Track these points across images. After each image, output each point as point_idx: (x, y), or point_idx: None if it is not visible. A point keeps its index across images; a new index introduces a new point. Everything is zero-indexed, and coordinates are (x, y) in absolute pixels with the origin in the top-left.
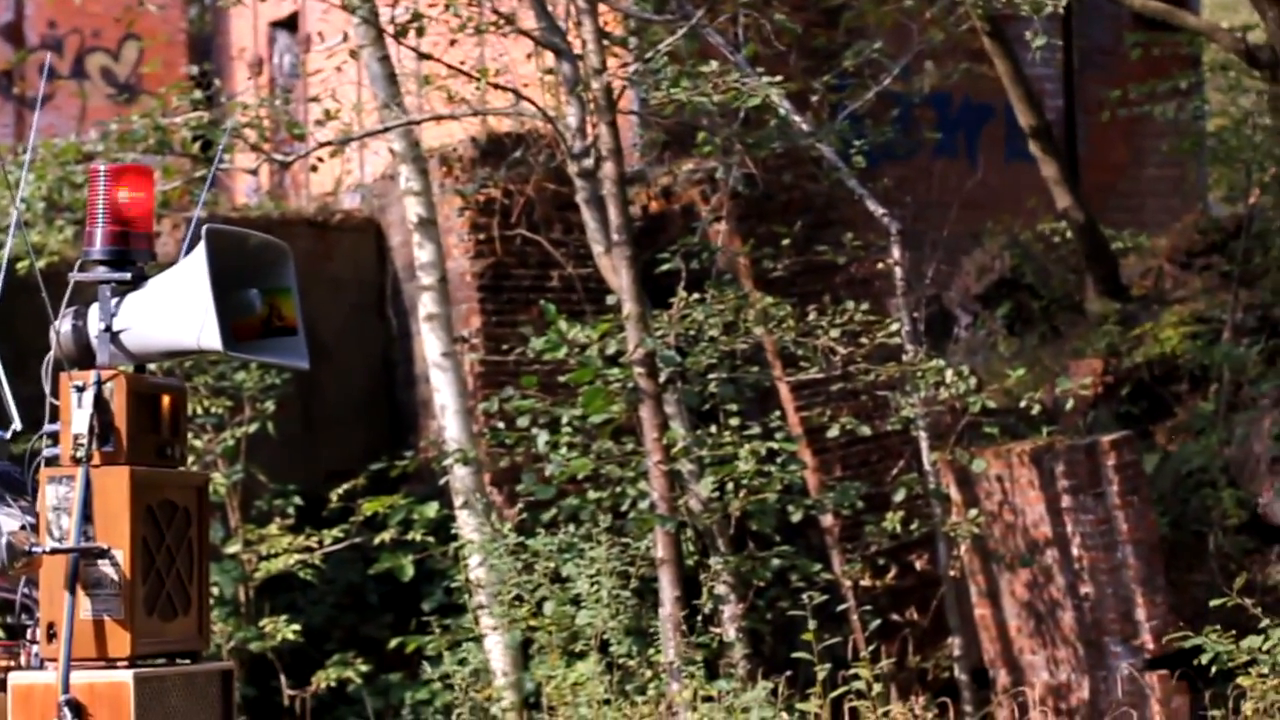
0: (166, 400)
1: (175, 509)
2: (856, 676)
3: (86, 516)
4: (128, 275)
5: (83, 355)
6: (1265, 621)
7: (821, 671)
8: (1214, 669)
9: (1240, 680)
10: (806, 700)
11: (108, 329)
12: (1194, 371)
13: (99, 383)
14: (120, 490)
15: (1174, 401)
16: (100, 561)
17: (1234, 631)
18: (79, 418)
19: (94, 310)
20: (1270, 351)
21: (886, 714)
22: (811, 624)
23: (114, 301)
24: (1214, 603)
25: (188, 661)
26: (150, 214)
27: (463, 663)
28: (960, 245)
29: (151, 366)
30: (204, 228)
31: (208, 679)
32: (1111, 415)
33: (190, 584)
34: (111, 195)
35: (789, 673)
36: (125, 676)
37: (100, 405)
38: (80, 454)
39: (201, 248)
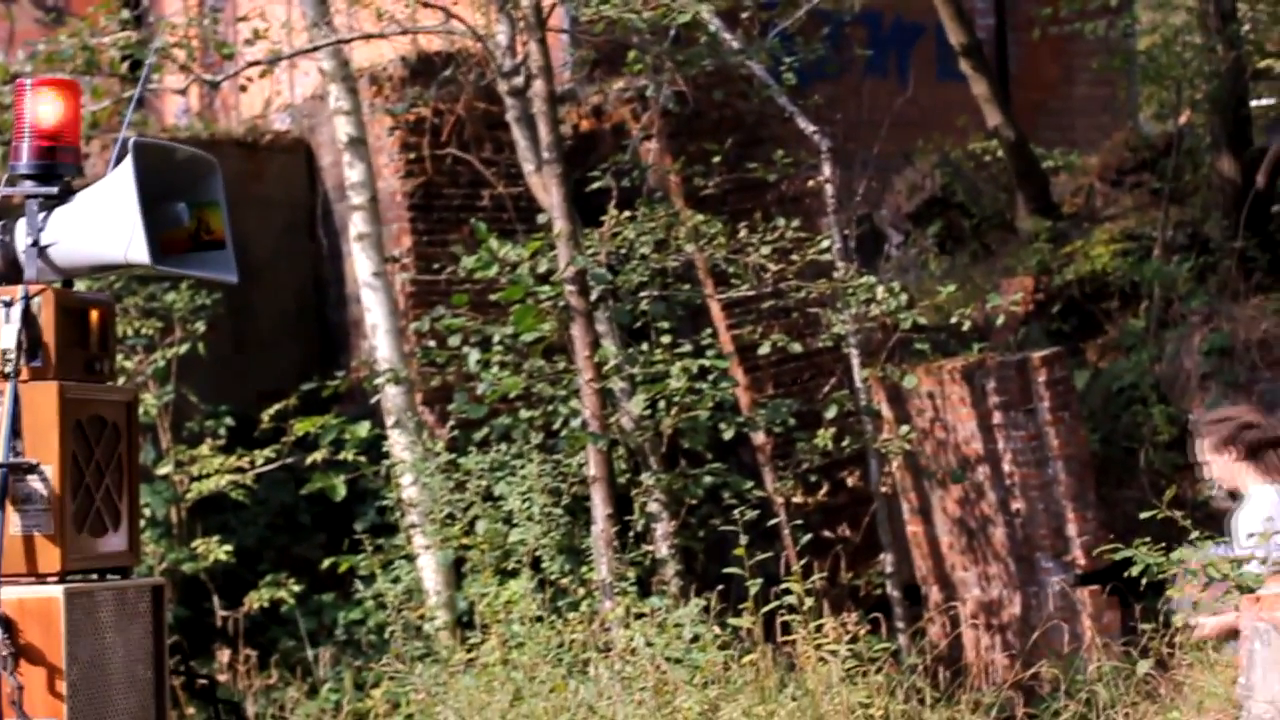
0: (95, 315)
1: (104, 424)
2: (788, 592)
3: (15, 432)
4: (54, 190)
5: (10, 270)
6: (1195, 534)
7: (753, 588)
8: (1144, 582)
9: (1170, 593)
10: (739, 616)
11: (35, 244)
12: (1124, 289)
13: (26, 298)
14: (49, 405)
15: (1105, 319)
16: (29, 477)
17: (1164, 545)
18: (7, 333)
19: (21, 225)
20: (1200, 268)
21: (819, 628)
22: (743, 540)
23: (41, 216)
24: (1143, 515)
25: (118, 577)
26: (76, 127)
27: (395, 582)
28: (891, 164)
29: (80, 284)
30: (131, 141)
31: (139, 594)
32: (1042, 333)
33: (120, 500)
34: (36, 109)
35: (721, 589)
36: (56, 592)
37: (28, 320)
38: (8, 369)
39: (128, 161)
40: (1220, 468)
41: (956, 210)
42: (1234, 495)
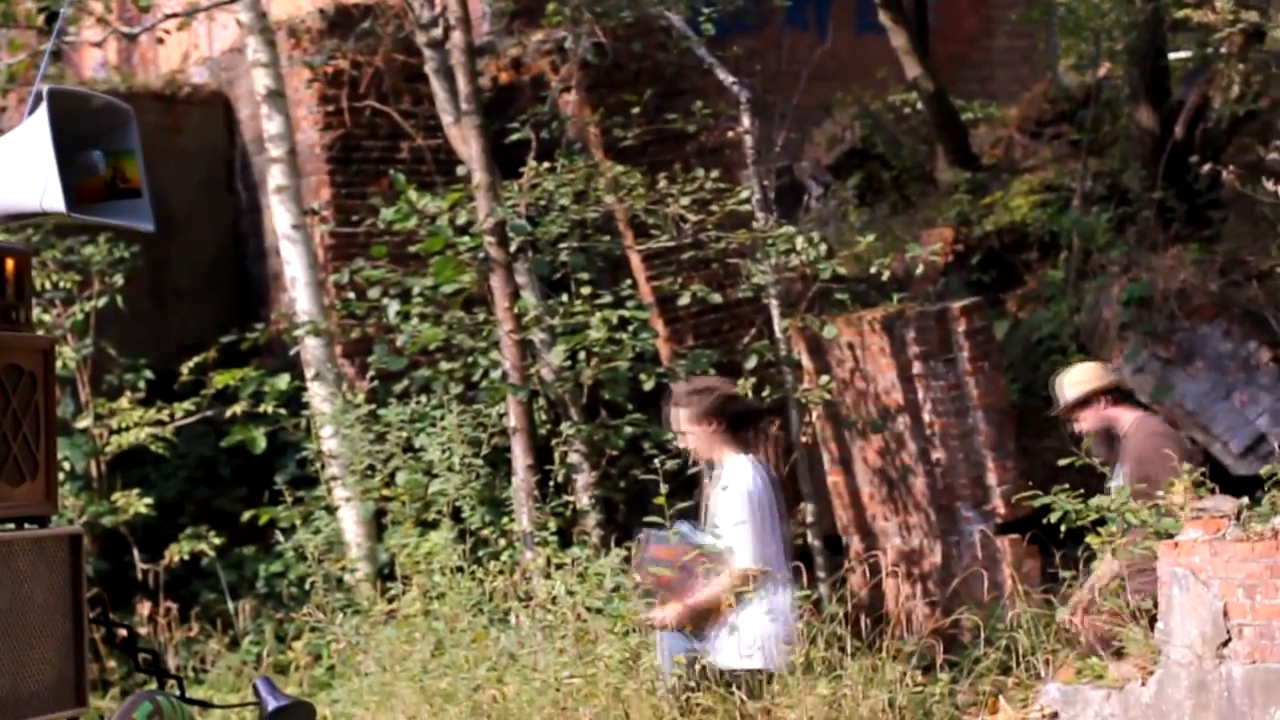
0: (10, 263)
1: (21, 373)
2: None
3: None
4: None
5: None
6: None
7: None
8: (1063, 528)
9: (1089, 539)
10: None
11: None
12: (1044, 239)
13: None
14: None
15: (1024, 269)
16: None
17: (1082, 493)
18: None
19: None
20: (1119, 219)
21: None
22: (664, 488)
23: None
24: (1062, 462)
25: (36, 526)
26: None
27: (316, 534)
28: (811, 116)
29: None
30: (45, 88)
31: (57, 543)
32: (962, 283)
33: (37, 449)
34: None
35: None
36: None
37: None
38: None
39: (43, 109)
40: (698, 439)
41: (876, 162)
42: (711, 466)
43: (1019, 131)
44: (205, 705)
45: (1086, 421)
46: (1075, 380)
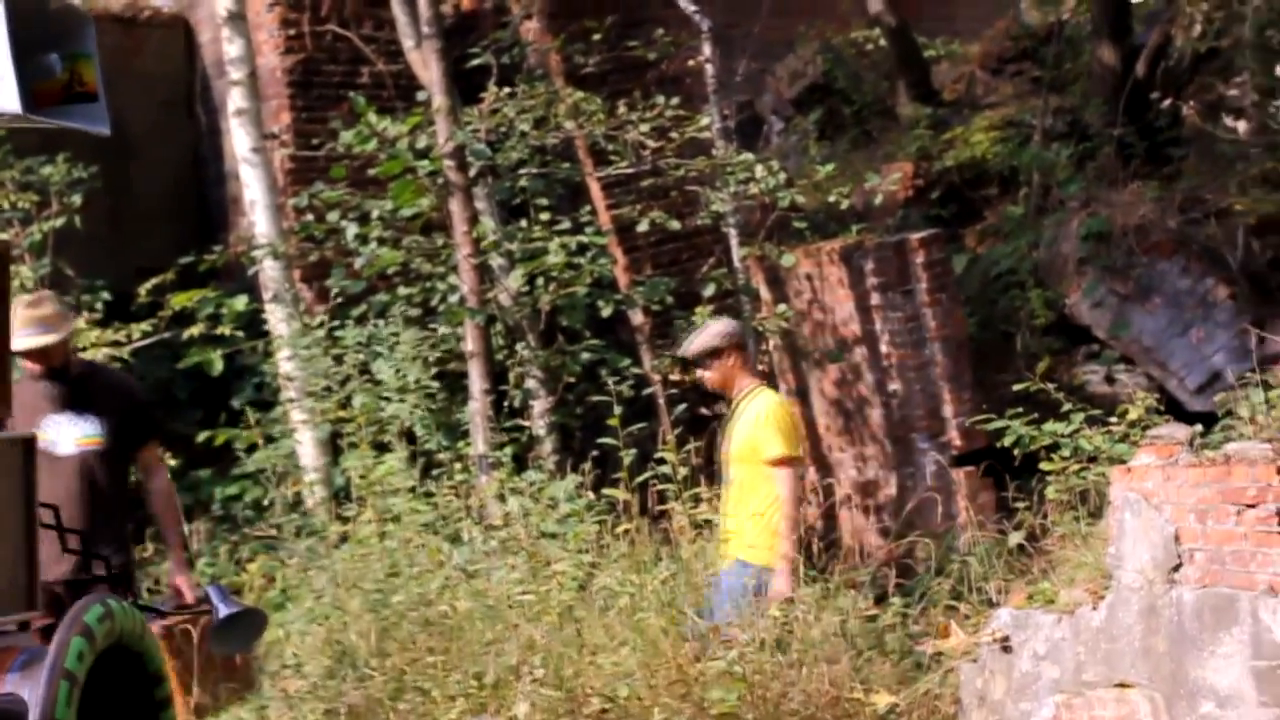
0: None
1: None
2: (663, 462)
3: None
4: None
5: None
6: (1068, 406)
7: (627, 458)
8: (1018, 454)
9: (1042, 465)
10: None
11: None
12: (1004, 175)
13: None
14: None
15: (984, 205)
16: None
17: (1036, 416)
18: None
19: None
20: (1079, 155)
21: (694, 498)
22: (617, 410)
23: None
24: (1017, 387)
25: None
26: None
27: (272, 458)
28: (774, 51)
29: None
30: None
31: (10, 447)
32: (921, 218)
33: None
34: None
35: (595, 460)
36: None
37: None
38: None
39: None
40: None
41: (838, 97)
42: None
43: (981, 68)
44: (157, 611)
45: (710, 374)
46: (712, 331)
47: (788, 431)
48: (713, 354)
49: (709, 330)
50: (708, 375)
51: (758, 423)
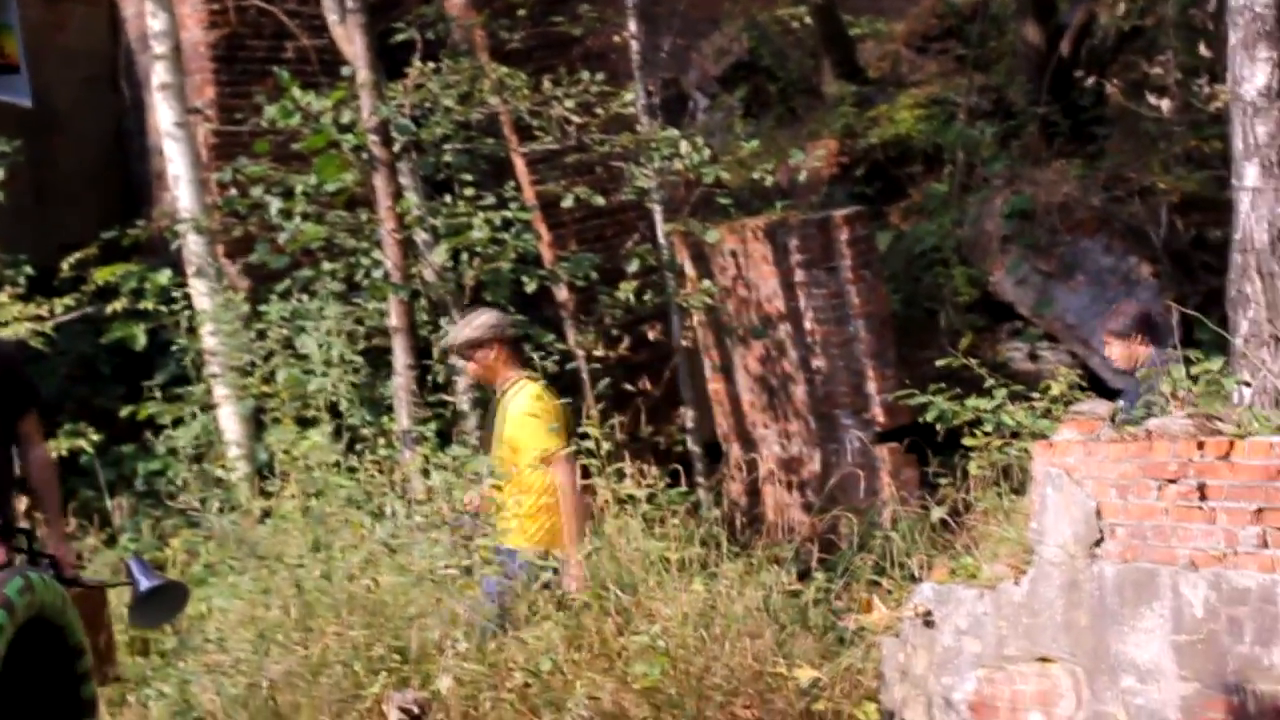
0: None
1: None
2: (586, 437)
3: None
4: None
5: None
6: (991, 382)
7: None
8: (941, 430)
9: (965, 441)
10: None
11: None
12: (928, 153)
13: None
14: None
15: (908, 182)
16: None
17: (959, 392)
18: None
19: None
20: (1003, 133)
21: (618, 472)
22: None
23: None
24: (940, 363)
25: None
26: None
27: (195, 433)
28: (699, 29)
29: None
30: None
31: None
32: (846, 195)
33: None
34: None
35: None
36: None
37: None
38: None
39: None
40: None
41: (763, 74)
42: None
43: (906, 46)
44: (77, 583)
45: (472, 366)
46: (476, 322)
47: (551, 426)
48: (476, 345)
49: (473, 321)
50: (470, 367)
51: (521, 419)
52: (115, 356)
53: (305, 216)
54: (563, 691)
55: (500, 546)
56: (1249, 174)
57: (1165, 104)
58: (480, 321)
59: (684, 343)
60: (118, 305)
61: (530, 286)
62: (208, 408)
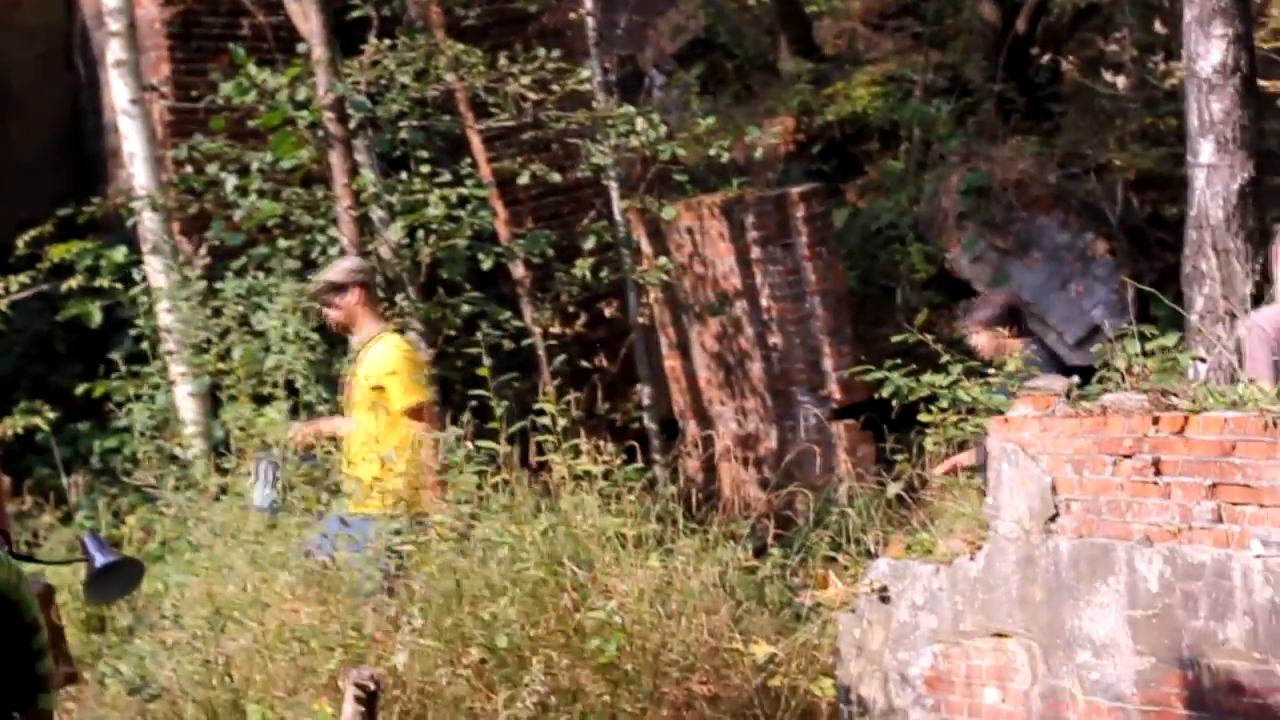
0: None
1: None
2: (542, 413)
3: None
4: None
5: None
6: (947, 358)
7: (499, 409)
8: (896, 406)
9: (921, 417)
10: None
11: None
12: (884, 130)
13: None
14: None
15: (865, 159)
16: None
17: (915, 368)
18: None
19: None
20: (960, 110)
21: (574, 449)
22: (488, 362)
23: None
24: (896, 339)
25: None
26: None
27: (151, 410)
28: (655, 6)
29: None
30: None
31: None
32: (802, 172)
33: None
34: None
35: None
36: None
37: None
38: None
39: None
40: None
41: (720, 51)
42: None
43: (862, 23)
44: (32, 560)
45: (333, 312)
46: (339, 267)
47: (416, 377)
48: (337, 289)
49: (336, 266)
50: (331, 313)
51: (384, 370)
52: (71, 334)
53: (261, 194)
54: (519, 667)
55: (347, 514)
56: (1204, 150)
57: (1121, 81)
58: (343, 266)
59: (640, 320)
60: (73, 282)
61: (486, 264)
62: (164, 385)
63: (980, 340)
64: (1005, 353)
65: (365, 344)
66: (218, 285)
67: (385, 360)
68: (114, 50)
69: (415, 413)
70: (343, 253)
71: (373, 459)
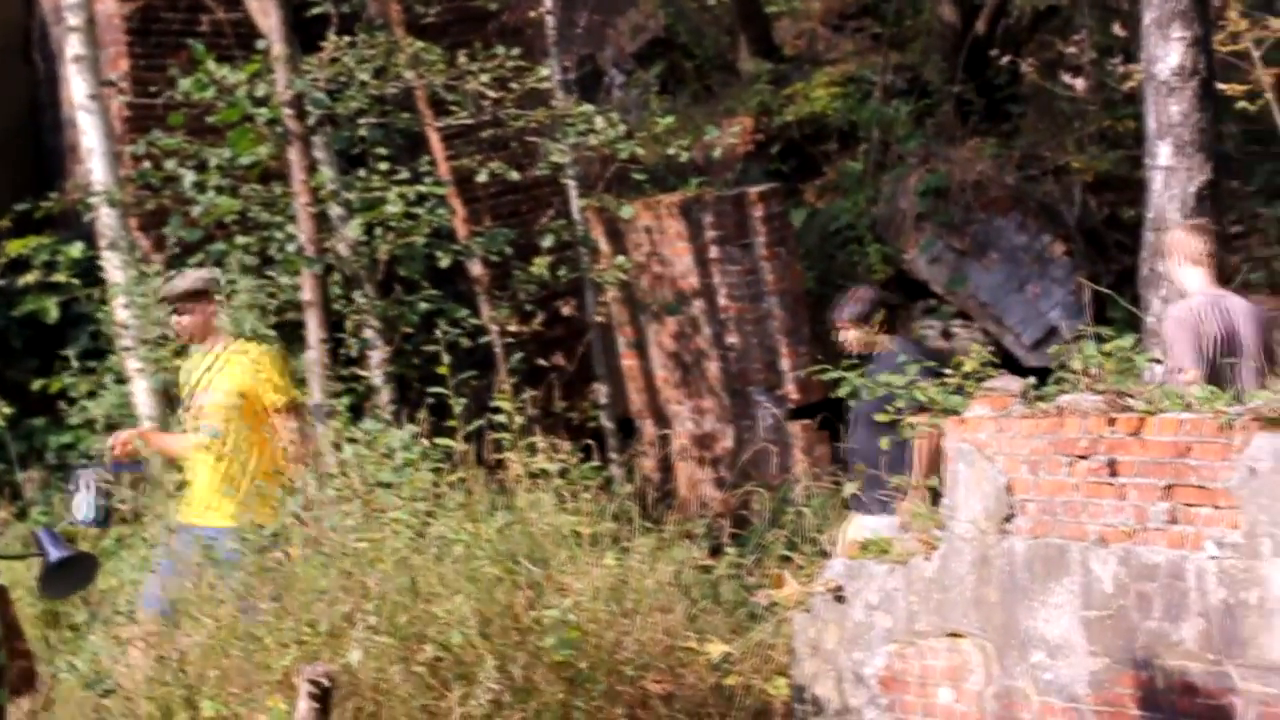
0: None
1: None
2: (499, 411)
3: None
4: None
5: None
6: (903, 358)
7: (457, 406)
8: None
9: (877, 418)
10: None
11: None
12: (843, 130)
13: None
14: None
15: (823, 160)
16: None
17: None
18: None
19: None
20: (919, 111)
21: (530, 447)
22: (447, 359)
23: None
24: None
25: None
26: None
27: (107, 406)
28: (615, 5)
29: None
30: None
31: None
32: (761, 172)
33: None
34: None
35: (432, 409)
36: None
37: None
38: None
39: None
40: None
41: (679, 51)
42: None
43: (822, 24)
44: None
45: (187, 319)
46: (197, 275)
47: (288, 376)
48: (195, 296)
49: (192, 274)
50: (184, 321)
51: (254, 373)
52: (27, 329)
53: (219, 190)
54: (474, 665)
55: (195, 527)
56: (1162, 153)
57: (1079, 83)
58: (201, 275)
59: (598, 318)
60: (30, 278)
61: (444, 261)
62: (120, 381)
63: (849, 336)
64: (875, 347)
65: (220, 354)
66: None
67: (256, 364)
68: (73, 45)
69: (291, 409)
70: (300, 250)
71: (224, 469)
